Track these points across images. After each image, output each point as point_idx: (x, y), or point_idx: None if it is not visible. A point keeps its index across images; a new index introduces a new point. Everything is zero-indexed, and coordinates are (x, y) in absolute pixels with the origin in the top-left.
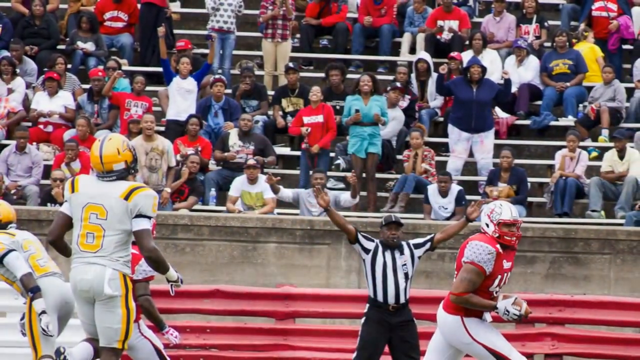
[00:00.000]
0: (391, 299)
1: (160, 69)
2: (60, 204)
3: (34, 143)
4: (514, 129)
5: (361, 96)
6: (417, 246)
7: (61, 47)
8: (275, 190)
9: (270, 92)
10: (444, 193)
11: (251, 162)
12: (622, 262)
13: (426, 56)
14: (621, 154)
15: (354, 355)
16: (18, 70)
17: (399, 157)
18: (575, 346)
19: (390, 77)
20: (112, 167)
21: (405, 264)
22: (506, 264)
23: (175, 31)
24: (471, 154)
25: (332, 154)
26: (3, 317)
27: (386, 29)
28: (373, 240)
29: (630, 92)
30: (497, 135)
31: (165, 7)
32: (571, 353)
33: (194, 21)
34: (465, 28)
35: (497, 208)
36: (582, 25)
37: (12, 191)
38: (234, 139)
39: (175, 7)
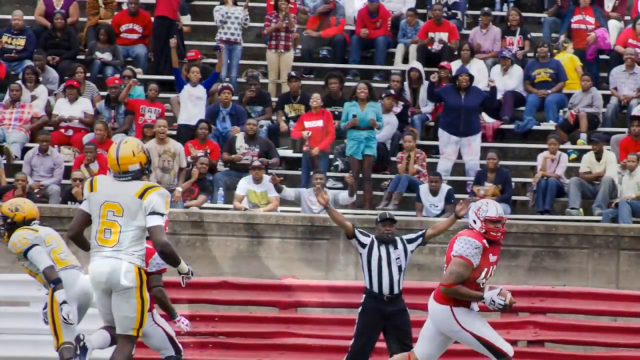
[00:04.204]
0: (386, 290)
1: (172, 77)
2: (80, 202)
3: (56, 146)
4: (499, 132)
5: (358, 102)
6: (410, 241)
7: (81, 57)
8: (279, 190)
9: (274, 99)
10: (434, 192)
11: (256, 163)
12: (600, 256)
13: (418, 65)
14: (598, 156)
15: (351, 341)
16: (41, 79)
17: (393, 158)
18: (556, 333)
19: (385, 85)
20: (128, 168)
21: (399, 258)
22: (492, 258)
23: (186, 42)
24: (460, 156)
25: (331, 156)
26: (27, 306)
27: (381, 41)
28: (369, 236)
29: (606, 98)
30: (484, 138)
31: (176, 20)
32: (552, 340)
33: (203, 33)
34: (454, 39)
35: (484, 206)
36: (562, 37)
37: (36, 190)
38: (240, 142)
39: (186, 20)
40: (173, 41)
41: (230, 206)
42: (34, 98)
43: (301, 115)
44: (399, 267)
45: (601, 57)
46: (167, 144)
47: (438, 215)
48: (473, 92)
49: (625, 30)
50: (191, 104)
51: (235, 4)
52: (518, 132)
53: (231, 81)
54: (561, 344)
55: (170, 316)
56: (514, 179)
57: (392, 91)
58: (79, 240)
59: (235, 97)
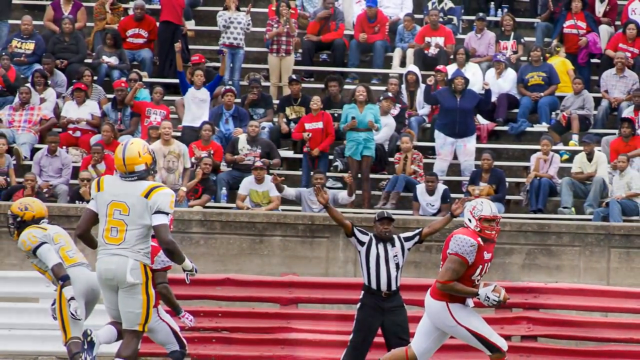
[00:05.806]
0: (384, 287)
1: (177, 81)
2: (87, 202)
3: (64, 147)
4: (493, 134)
5: (357, 105)
6: (407, 239)
7: (88, 61)
8: (280, 189)
9: (275, 101)
10: (431, 192)
11: (258, 164)
12: (591, 253)
13: (415, 69)
14: (590, 157)
15: (350, 336)
16: (49, 82)
17: (390, 159)
18: (549, 329)
19: (383, 88)
20: (134, 169)
21: (396, 255)
22: (486, 255)
23: (190, 46)
24: (455, 157)
25: (330, 157)
26: (36, 302)
27: (379, 45)
28: (367, 234)
29: (597, 101)
30: (479, 139)
31: (181, 25)
32: (545, 335)
33: (207, 37)
34: (450, 44)
35: (479, 205)
36: (555, 42)
37: (44, 190)
38: (242, 143)
39: (190, 25)
40: (178, 45)
41: (233, 205)
42: (42, 100)
43: (302, 117)
44: (397, 264)
45: (592, 61)
46: (172, 145)
47: (434, 214)
48: (468, 95)
49: (616, 35)
50: (195, 106)
51: (238, 9)
52: (512, 133)
53: (234, 84)
54: (554, 339)
55: (175, 312)
56: (508, 179)
57: (390, 94)
58: (87, 238)
59: (238, 100)
